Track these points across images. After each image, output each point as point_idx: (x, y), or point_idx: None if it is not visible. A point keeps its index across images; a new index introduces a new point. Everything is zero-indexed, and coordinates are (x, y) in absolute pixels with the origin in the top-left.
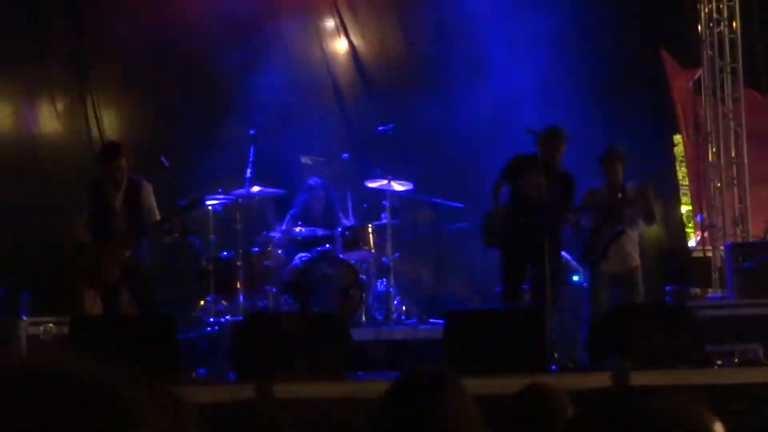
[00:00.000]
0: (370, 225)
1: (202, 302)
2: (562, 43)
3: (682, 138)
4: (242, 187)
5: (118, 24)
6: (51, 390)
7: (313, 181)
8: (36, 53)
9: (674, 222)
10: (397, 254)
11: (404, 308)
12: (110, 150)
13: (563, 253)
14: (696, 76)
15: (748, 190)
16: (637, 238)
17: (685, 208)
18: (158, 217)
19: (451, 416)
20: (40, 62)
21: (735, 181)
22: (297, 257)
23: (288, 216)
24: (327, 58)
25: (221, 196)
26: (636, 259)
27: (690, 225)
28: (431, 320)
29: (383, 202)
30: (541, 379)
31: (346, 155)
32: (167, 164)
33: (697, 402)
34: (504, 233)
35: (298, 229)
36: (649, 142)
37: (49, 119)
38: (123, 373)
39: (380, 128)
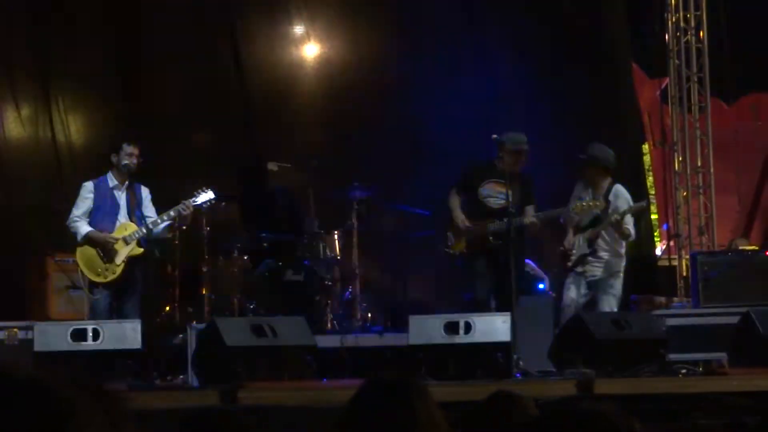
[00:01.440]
0: (336, 231)
1: (167, 308)
2: (528, 50)
3: (649, 147)
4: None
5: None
6: None
7: (278, 187)
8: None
9: (643, 231)
10: (362, 261)
11: (369, 315)
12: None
13: (528, 261)
14: (663, 86)
15: (714, 199)
16: (620, 245)
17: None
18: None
19: (417, 422)
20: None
21: (701, 191)
22: (263, 264)
23: (255, 222)
24: (293, 64)
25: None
26: (614, 264)
27: (656, 234)
28: (396, 327)
29: (349, 209)
30: (504, 388)
31: (313, 161)
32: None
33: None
34: (467, 243)
35: (263, 236)
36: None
37: (14, 124)
38: (61, 373)
39: (348, 135)
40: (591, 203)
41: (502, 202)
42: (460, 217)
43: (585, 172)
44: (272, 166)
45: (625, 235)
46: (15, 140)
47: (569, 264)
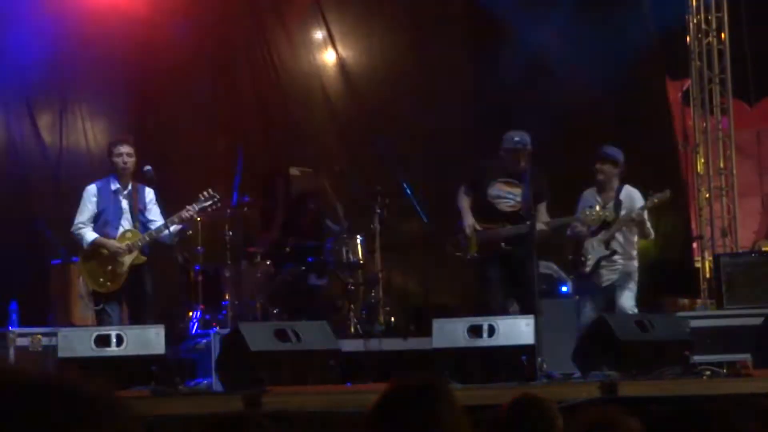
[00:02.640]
0: (358, 236)
1: (190, 314)
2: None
3: None
4: (230, 199)
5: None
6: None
7: (302, 192)
8: None
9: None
10: (385, 265)
11: (392, 319)
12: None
13: (551, 264)
14: (685, 87)
15: (736, 200)
16: (634, 246)
17: None
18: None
19: (442, 426)
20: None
21: (723, 192)
22: (285, 268)
23: (278, 227)
24: (316, 70)
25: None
26: (629, 266)
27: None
28: (419, 331)
29: (372, 213)
30: (530, 390)
31: (335, 166)
32: (151, 174)
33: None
34: (479, 247)
35: (287, 240)
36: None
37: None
38: (68, 379)
39: (370, 139)
40: (600, 213)
41: (512, 203)
42: (471, 221)
43: (602, 171)
44: (294, 171)
45: (645, 234)
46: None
47: (586, 270)
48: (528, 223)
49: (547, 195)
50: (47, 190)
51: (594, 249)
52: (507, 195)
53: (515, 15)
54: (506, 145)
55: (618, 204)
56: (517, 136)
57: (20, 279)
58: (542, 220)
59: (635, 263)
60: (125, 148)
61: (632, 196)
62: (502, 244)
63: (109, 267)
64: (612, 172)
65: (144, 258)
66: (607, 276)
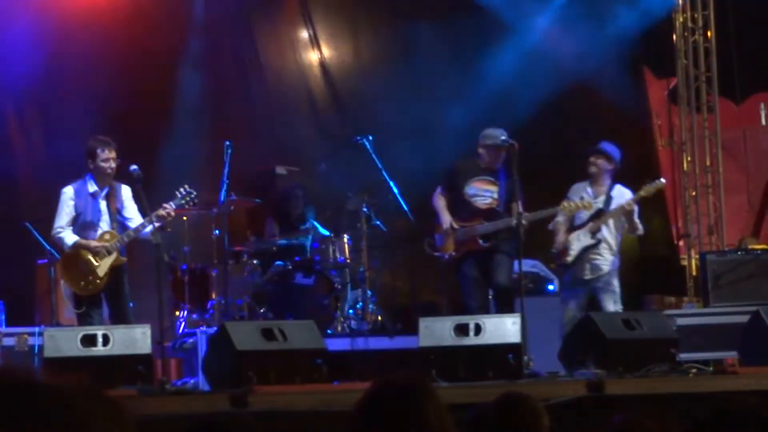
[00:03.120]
0: (345, 235)
1: (176, 313)
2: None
3: (658, 147)
4: (217, 198)
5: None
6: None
7: (288, 189)
8: None
9: (655, 231)
10: (372, 264)
11: (379, 318)
12: (107, 140)
13: (537, 262)
14: (671, 86)
15: (723, 198)
16: (617, 243)
17: None
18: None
19: (426, 424)
20: None
21: (710, 190)
22: (272, 267)
23: (266, 225)
24: (303, 70)
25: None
26: (614, 263)
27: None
28: (406, 330)
29: (359, 212)
30: (515, 389)
31: (322, 165)
32: (139, 174)
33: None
34: (456, 245)
35: (273, 239)
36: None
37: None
38: (62, 379)
39: (356, 138)
40: (580, 203)
41: (489, 200)
42: (448, 219)
43: (595, 165)
44: (281, 169)
45: (634, 228)
46: None
47: (568, 259)
48: (503, 219)
49: (521, 193)
50: (33, 190)
51: (579, 240)
52: (483, 193)
53: (506, 12)
54: (488, 142)
55: (609, 199)
56: (502, 134)
57: (6, 279)
58: (517, 212)
59: (617, 261)
60: (112, 153)
61: (623, 194)
62: (480, 241)
63: (90, 270)
64: (605, 167)
65: (123, 259)
66: (591, 269)
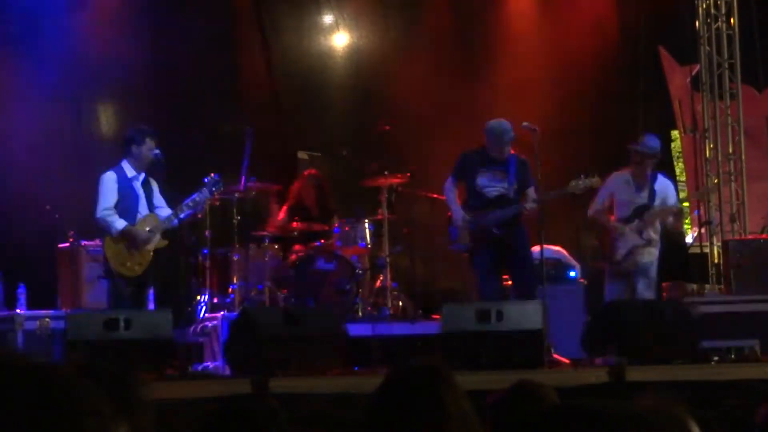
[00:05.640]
0: (366, 220)
1: (198, 297)
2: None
3: (680, 134)
4: (239, 182)
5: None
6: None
7: (308, 173)
8: None
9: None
10: (393, 249)
11: (400, 303)
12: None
13: (559, 248)
14: (694, 72)
15: (745, 186)
16: (659, 235)
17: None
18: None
19: (444, 409)
20: None
21: (732, 177)
22: (293, 252)
23: (285, 210)
24: (324, 54)
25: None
26: (652, 254)
27: (687, 221)
28: (427, 316)
29: (380, 198)
30: (536, 375)
31: (343, 150)
32: (161, 158)
33: (677, 404)
34: (471, 236)
35: (294, 225)
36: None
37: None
38: (68, 360)
39: (379, 124)
40: (588, 181)
41: (501, 190)
42: (460, 213)
43: (643, 163)
44: (302, 154)
45: (680, 227)
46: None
47: (617, 258)
48: (513, 206)
49: (532, 180)
50: (56, 174)
51: (626, 240)
52: (494, 183)
53: None
54: (490, 135)
55: (653, 193)
56: (503, 125)
57: (28, 262)
58: (531, 198)
59: (657, 251)
60: (155, 144)
61: (667, 187)
62: (493, 230)
63: (136, 252)
64: (648, 159)
65: (166, 242)
66: (635, 264)
